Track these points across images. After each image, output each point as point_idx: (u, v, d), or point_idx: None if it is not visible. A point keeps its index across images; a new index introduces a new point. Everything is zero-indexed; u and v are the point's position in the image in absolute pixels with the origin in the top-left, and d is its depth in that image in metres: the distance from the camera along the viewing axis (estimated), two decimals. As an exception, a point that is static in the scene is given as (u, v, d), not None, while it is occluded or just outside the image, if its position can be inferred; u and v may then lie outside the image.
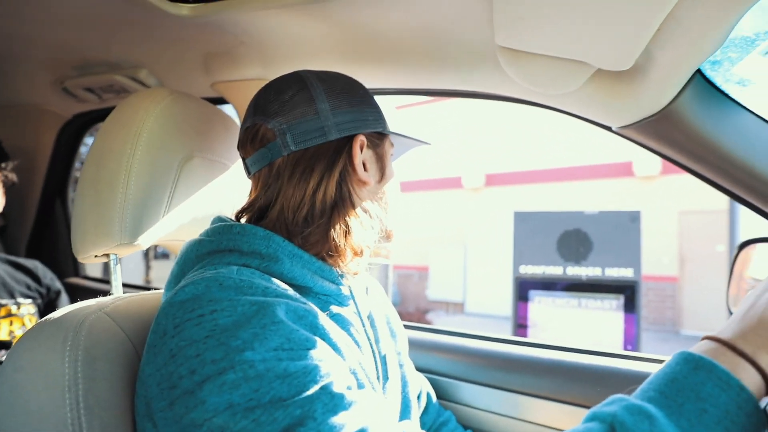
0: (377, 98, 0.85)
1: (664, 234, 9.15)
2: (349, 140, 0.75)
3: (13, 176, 1.55)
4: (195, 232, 0.94)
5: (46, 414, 0.62)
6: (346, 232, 0.72)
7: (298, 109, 0.73)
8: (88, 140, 2.07)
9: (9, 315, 1.50)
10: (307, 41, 1.07)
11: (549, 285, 3.23)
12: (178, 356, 0.54)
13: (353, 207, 0.74)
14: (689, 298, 9.24)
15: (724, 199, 7.66)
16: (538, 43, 0.78)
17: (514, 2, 0.68)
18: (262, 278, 0.63)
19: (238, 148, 0.81)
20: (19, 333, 1.49)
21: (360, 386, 0.62)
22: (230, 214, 0.98)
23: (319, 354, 0.56)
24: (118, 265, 0.84)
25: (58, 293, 1.68)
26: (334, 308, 0.72)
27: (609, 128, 1.02)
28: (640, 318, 2.93)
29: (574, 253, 3.17)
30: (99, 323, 0.67)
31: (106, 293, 1.77)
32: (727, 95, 0.87)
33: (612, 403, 0.54)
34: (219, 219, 0.76)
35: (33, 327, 0.69)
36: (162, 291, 0.92)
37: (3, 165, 1.51)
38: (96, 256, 0.81)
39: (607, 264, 3.12)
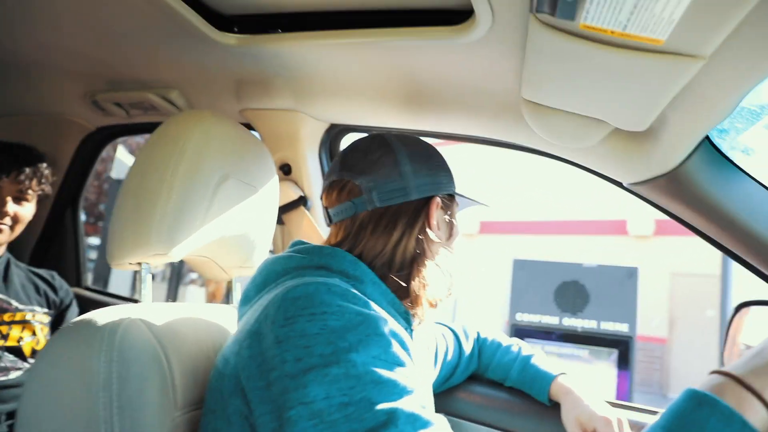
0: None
1: (654, 294, 9.19)
2: (427, 201, 0.83)
3: (48, 189, 1.58)
4: (220, 251, 0.98)
5: (79, 410, 0.65)
6: (425, 285, 0.80)
7: (384, 169, 0.82)
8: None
9: (23, 321, 1.50)
10: (341, 78, 1.13)
11: (544, 334, 3.24)
12: (285, 343, 0.61)
13: (429, 261, 0.82)
14: (677, 361, 9.19)
15: (717, 263, 7.72)
16: (562, 100, 0.84)
17: (545, 61, 0.74)
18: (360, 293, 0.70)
19: (321, 197, 0.89)
20: (28, 340, 1.48)
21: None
22: (255, 237, 1.02)
23: (408, 371, 0.63)
24: (149, 274, 0.87)
25: (69, 305, 1.69)
26: None
27: (620, 184, 1.07)
28: (633, 374, 2.94)
29: (571, 304, 3.20)
30: (133, 327, 0.71)
31: (106, 304, 1.78)
32: (732, 162, 0.93)
33: None
34: (300, 242, 0.83)
35: (67, 326, 0.71)
36: (187, 305, 0.95)
37: (44, 180, 1.54)
38: (129, 263, 0.84)
39: (603, 317, 3.15)
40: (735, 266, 6.94)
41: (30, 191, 1.50)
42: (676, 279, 9.31)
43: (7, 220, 1.45)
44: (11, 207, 1.45)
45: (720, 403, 0.55)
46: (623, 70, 0.70)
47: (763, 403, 0.55)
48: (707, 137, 0.90)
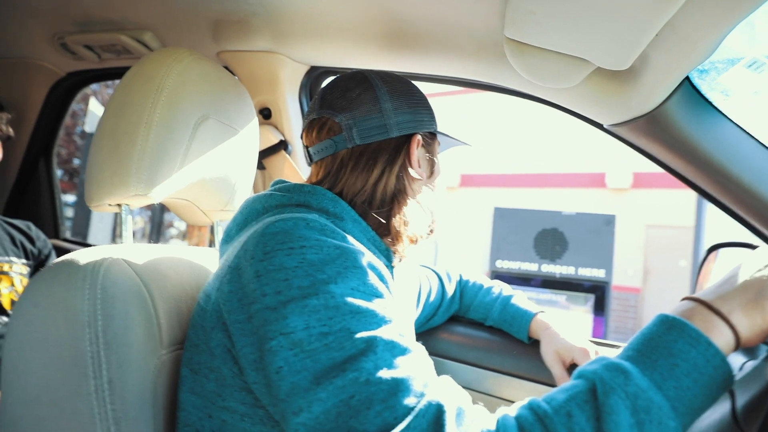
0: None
1: (630, 246, 9.43)
2: (408, 138, 0.83)
3: (8, 129, 1.53)
4: (201, 194, 0.97)
5: (65, 347, 0.65)
6: (405, 222, 0.81)
7: (364, 106, 0.81)
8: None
9: (0, 273, 1.48)
10: (321, 18, 1.10)
11: (523, 281, 3.33)
12: (264, 277, 0.61)
13: (410, 199, 0.83)
14: (650, 310, 9.53)
15: (691, 215, 7.92)
16: (545, 38, 0.83)
17: (529, -4, 0.73)
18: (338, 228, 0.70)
19: (302, 136, 0.88)
20: (5, 292, 1.46)
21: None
22: (236, 179, 1.01)
23: (385, 302, 0.64)
24: (129, 215, 0.86)
25: (48, 255, 1.66)
26: None
27: (600, 126, 1.08)
28: (608, 318, 3.05)
29: (550, 251, 3.28)
30: (115, 266, 0.70)
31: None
32: (710, 103, 0.94)
33: (595, 362, 0.60)
34: (281, 181, 0.83)
35: (48, 267, 0.71)
36: (169, 246, 0.94)
37: None
38: (109, 205, 0.83)
39: (581, 264, 3.24)
40: (708, 216, 7.14)
41: None
42: (650, 230, 9.54)
43: None
44: None
45: (688, 326, 0.58)
46: (607, 5, 0.69)
47: (728, 325, 0.58)
48: (687, 78, 0.91)
